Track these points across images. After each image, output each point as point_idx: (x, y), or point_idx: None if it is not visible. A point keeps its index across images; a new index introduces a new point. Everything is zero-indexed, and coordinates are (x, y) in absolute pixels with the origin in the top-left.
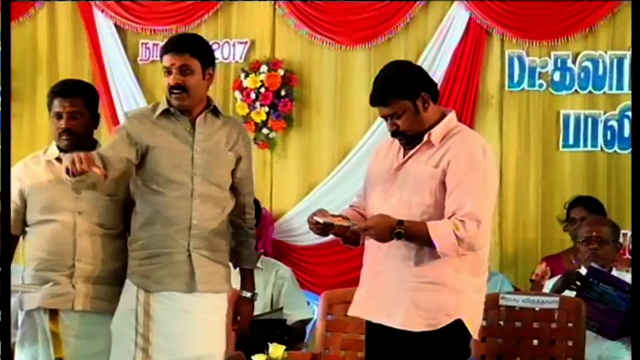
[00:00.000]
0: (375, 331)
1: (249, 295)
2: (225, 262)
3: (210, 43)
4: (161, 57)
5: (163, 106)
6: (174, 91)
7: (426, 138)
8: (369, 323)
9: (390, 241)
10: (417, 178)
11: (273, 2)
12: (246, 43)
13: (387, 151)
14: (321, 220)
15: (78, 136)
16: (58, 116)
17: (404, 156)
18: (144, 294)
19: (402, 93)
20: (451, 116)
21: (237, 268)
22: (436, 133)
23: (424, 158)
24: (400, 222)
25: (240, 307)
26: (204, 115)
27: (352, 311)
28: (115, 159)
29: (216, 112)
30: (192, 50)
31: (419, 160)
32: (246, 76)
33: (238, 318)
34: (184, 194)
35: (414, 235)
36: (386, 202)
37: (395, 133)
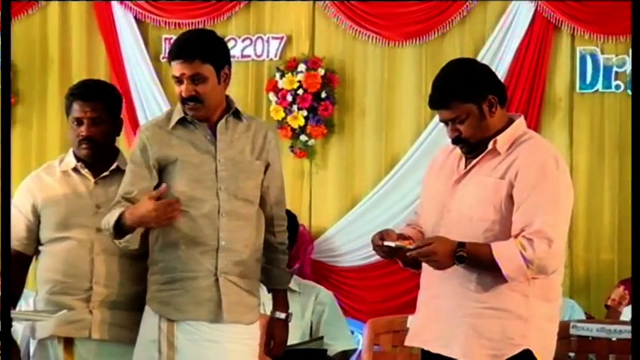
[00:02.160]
0: None
1: (282, 316)
2: (254, 290)
3: (242, 38)
4: (169, 61)
5: (179, 114)
6: (188, 103)
7: (490, 145)
8: (425, 353)
9: (452, 266)
10: (479, 190)
11: None
12: (281, 38)
13: (444, 161)
14: (392, 245)
15: (99, 145)
16: (78, 122)
17: (465, 166)
18: (167, 323)
19: (466, 95)
20: (519, 122)
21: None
22: (502, 140)
23: (488, 169)
24: (461, 244)
25: (273, 330)
26: (226, 120)
27: (408, 340)
28: (140, 196)
29: (238, 115)
30: (202, 55)
31: (482, 170)
32: (282, 75)
33: (271, 343)
34: (209, 212)
35: (476, 259)
36: (443, 218)
37: (456, 140)
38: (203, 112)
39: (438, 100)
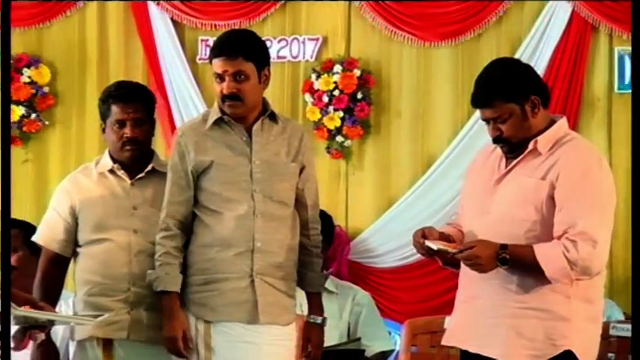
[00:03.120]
0: None
1: (318, 320)
2: (290, 291)
3: (278, 39)
4: (210, 60)
5: (215, 115)
6: (229, 100)
7: (531, 146)
8: (464, 353)
9: (495, 269)
10: (520, 191)
11: None
12: (317, 39)
13: (484, 161)
14: (434, 247)
15: (142, 146)
16: (121, 124)
17: (505, 167)
18: (203, 324)
19: (509, 95)
20: (561, 122)
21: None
22: (544, 140)
23: (529, 169)
24: (503, 246)
25: (309, 334)
26: (262, 122)
27: (446, 340)
28: (187, 208)
29: (273, 117)
30: (245, 53)
31: (522, 171)
32: (318, 76)
33: (308, 347)
34: (244, 214)
35: (519, 261)
36: (483, 218)
37: (497, 140)
38: (242, 109)
39: (480, 99)
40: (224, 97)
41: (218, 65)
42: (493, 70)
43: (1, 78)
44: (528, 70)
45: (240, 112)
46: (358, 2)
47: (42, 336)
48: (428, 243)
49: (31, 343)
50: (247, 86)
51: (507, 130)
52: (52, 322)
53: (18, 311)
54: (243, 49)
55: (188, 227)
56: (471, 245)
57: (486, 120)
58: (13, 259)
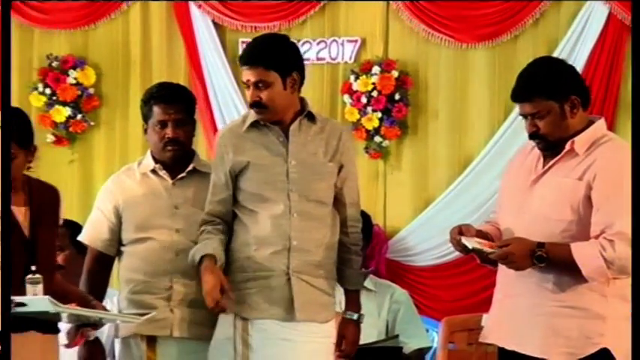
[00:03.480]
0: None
1: (354, 316)
2: (328, 289)
3: (316, 41)
4: (241, 66)
5: (252, 117)
6: (254, 108)
7: (568, 146)
8: (501, 350)
9: (531, 267)
10: (556, 191)
11: None
12: (356, 41)
13: (522, 161)
14: (469, 246)
15: (183, 147)
16: (162, 124)
17: (543, 167)
18: (241, 322)
19: (549, 92)
20: (600, 124)
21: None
22: (581, 141)
23: (566, 170)
24: (540, 244)
25: (344, 330)
26: (299, 122)
27: (483, 337)
28: (226, 207)
29: (311, 117)
30: (266, 62)
31: (559, 171)
32: (357, 78)
33: (343, 343)
34: (281, 213)
35: (555, 259)
36: (520, 217)
37: (533, 136)
38: (268, 115)
39: (520, 94)
40: (250, 105)
41: (243, 74)
42: (536, 66)
43: (1, 78)
44: (571, 70)
45: (267, 118)
46: (396, 5)
47: (94, 333)
48: (464, 240)
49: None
50: (270, 94)
51: (544, 127)
52: (101, 320)
53: (62, 308)
54: (264, 59)
55: (229, 225)
56: (506, 243)
57: (524, 115)
58: (60, 258)
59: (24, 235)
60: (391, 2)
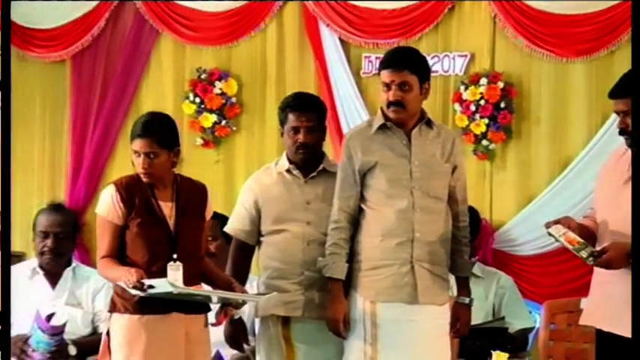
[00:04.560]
0: (604, 340)
1: (466, 300)
2: (445, 275)
3: (431, 56)
4: (379, 71)
5: (379, 121)
6: (393, 107)
7: None
8: (598, 331)
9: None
10: None
11: (493, 16)
12: (466, 56)
13: (615, 163)
14: (554, 235)
15: (313, 150)
16: (295, 130)
17: None
18: (370, 304)
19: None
20: None
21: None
22: None
23: None
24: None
25: (458, 313)
26: (419, 128)
27: (582, 320)
28: (354, 202)
29: (429, 124)
30: (410, 66)
31: None
32: (466, 88)
33: (457, 324)
34: (405, 208)
35: None
36: (614, 213)
37: (622, 132)
38: (403, 115)
39: (615, 91)
40: (389, 104)
41: (386, 76)
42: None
43: (1, 79)
44: None
45: (402, 118)
46: (502, 23)
47: (237, 312)
48: (550, 230)
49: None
50: (410, 96)
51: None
52: (240, 301)
53: (182, 289)
54: (409, 63)
55: (355, 219)
56: (603, 250)
57: (617, 112)
58: (213, 247)
59: (169, 227)
60: (497, 21)
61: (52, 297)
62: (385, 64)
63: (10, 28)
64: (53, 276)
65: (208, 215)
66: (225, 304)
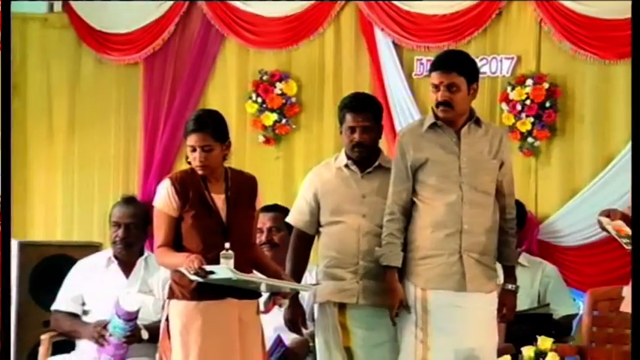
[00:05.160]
0: None
1: (512, 287)
2: (492, 265)
3: (479, 58)
4: (430, 73)
5: (430, 120)
6: (441, 106)
7: None
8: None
9: None
10: None
11: (538, 20)
12: (512, 58)
13: None
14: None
15: (368, 149)
16: (352, 130)
17: None
18: (421, 291)
19: None
20: None
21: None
22: None
23: None
24: None
25: (504, 299)
26: (468, 127)
27: (624, 307)
28: (407, 195)
29: (478, 122)
30: (459, 69)
31: None
32: (513, 89)
33: (503, 310)
34: (454, 201)
35: None
36: None
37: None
38: (451, 115)
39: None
40: (438, 104)
41: (436, 77)
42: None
43: (1, 78)
44: None
45: (450, 117)
46: (547, 27)
47: (285, 302)
48: (600, 217)
49: (276, 308)
50: (458, 96)
51: None
52: (290, 289)
53: (240, 276)
54: (458, 66)
55: (408, 211)
56: None
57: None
58: (277, 237)
59: (221, 218)
60: (543, 25)
61: (125, 285)
62: (435, 66)
63: (11, 29)
64: (127, 265)
65: (258, 205)
66: (275, 293)
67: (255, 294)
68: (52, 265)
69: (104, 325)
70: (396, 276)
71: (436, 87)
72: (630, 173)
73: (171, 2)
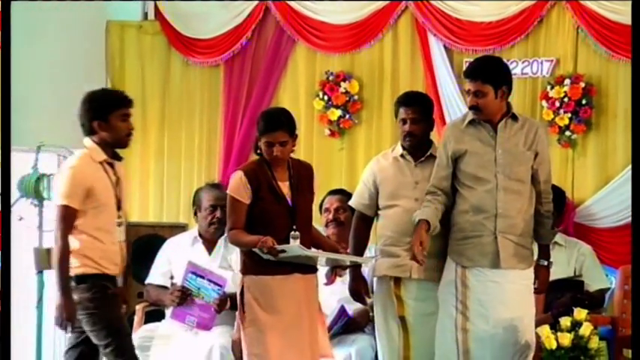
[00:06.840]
0: None
1: (545, 263)
2: (526, 244)
3: (521, 61)
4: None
5: (470, 116)
6: (471, 110)
7: None
8: None
9: None
10: None
11: (576, 27)
12: (552, 60)
13: None
14: None
15: (418, 139)
16: (403, 122)
17: None
18: (461, 269)
19: None
20: None
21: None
22: None
23: None
24: None
25: (537, 273)
26: (505, 122)
27: None
28: (447, 181)
29: (514, 117)
30: (484, 77)
31: None
32: (552, 88)
33: (536, 282)
34: (490, 188)
35: None
36: None
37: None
38: (481, 116)
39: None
40: (469, 107)
41: (466, 84)
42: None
43: (1, 78)
44: None
45: (480, 118)
46: (584, 33)
47: (345, 273)
48: None
49: (339, 281)
50: (484, 102)
51: None
52: (352, 263)
53: (307, 252)
54: (482, 74)
55: (448, 194)
56: None
57: (467, 92)
58: (342, 217)
59: (288, 203)
60: (580, 31)
61: (208, 261)
62: (465, 74)
63: (10, 30)
64: (210, 243)
65: (316, 190)
66: (336, 266)
67: (314, 269)
68: (145, 242)
69: (179, 289)
70: (424, 228)
71: (467, 92)
72: None
73: (250, 10)
